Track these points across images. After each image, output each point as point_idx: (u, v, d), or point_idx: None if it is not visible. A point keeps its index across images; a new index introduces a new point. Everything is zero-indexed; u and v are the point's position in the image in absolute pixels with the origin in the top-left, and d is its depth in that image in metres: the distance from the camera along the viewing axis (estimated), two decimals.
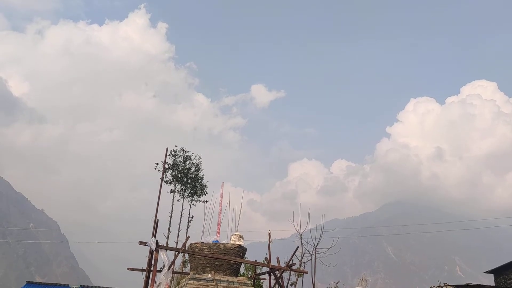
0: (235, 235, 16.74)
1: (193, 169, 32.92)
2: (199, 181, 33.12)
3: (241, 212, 18.84)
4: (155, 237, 14.54)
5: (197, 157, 33.06)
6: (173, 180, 32.03)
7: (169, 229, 30.30)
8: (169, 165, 31.72)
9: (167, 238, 29.48)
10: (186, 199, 32.64)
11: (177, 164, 32.22)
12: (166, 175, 31.39)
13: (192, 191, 32.82)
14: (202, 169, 33.31)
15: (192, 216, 32.09)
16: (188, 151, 32.89)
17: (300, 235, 20.73)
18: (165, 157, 17.65)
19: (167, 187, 31.82)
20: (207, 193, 33.40)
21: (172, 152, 32.16)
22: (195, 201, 33.02)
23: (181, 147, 32.80)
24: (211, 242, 16.10)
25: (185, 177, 32.49)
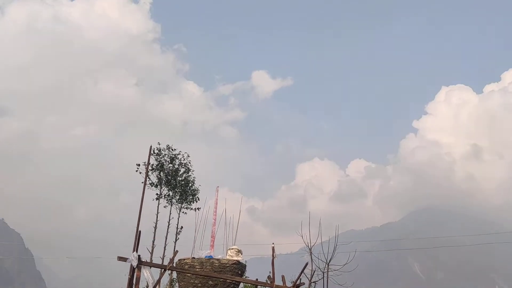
0: (232, 249, 16.75)
1: (182, 170, 33.06)
2: (190, 185, 33.23)
3: (239, 222, 19.29)
4: (136, 251, 14.72)
5: (185, 155, 33.14)
6: (159, 184, 32.10)
7: (153, 242, 30.23)
8: (153, 166, 31.79)
9: (151, 253, 29.34)
10: (174, 206, 32.68)
11: (163, 165, 32.31)
12: (150, 178, 31.45)
13: (181, 197, 32.89)
14: (192, 170, 33.40)
15: (181, 227, 32.06)
16: (174, 149, 32.95)
17: (310, 249, 20.48)
18: (149, 156, 17.85)
19: (151, 192, 31.90)
20: (199, 199, 33.42)
21: (156, 151, 32.20)
22: (185, 208, 33.06)
23: (167, 145, 32.92)
24: (203, 257, 16.13)
25: (173, 180, 32.57)
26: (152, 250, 29.65)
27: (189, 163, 33.33)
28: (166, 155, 32.56)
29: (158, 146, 32.44)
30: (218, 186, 35.73)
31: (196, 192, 33.57)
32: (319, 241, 20.11)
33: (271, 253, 16.06)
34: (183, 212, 32.94)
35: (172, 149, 32.82)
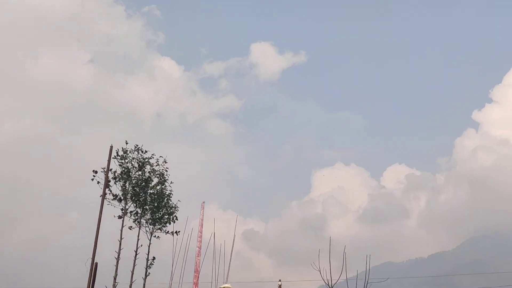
0: None
1: (155, 180, 33.15)
2: (165, 200, 33.44)
3: (233, 251, 18.76)
4: None
5: (161, 160, 33.23)
6: (124, 198, 32.16)
7: (115, 279, 30.04)
8: (116, 174, 31.92)
9: None
10: (144, 228, 32.78)
11: (129, 172, 32.43)
12: (110, 190, 31.32)
13: (153, 216, 33.08)
14: (169, 181, 33.41)
15: (154, 257, 32.01)
16: (146, 151, 33.02)
17: (331, 287, 20.52)
18: (108, 160, 17.90)
19: (112, 210, 31.67)
20: (177, 219, 33.50)
21: (121, 153, 32.20)
22: (158, 231, 33.23)
23: (135, 145, 32.89)
24: None
25: (143, 193, 32.75)
26: None
27: (166, 170, 33.47)
28: (134, 159, 32.73)
29: (123, 147, 32.44)
30: (203, 202, 35.95)
31: (173, 209, 33.62)
32: (343, 277, 20.60)
33: None
34: (155, 237, 32.97)
35: (142, 151, 32.94)
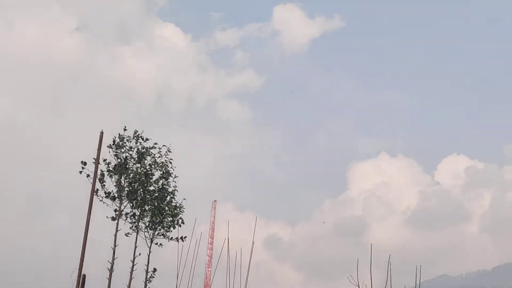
0: None
1: (157, 174, 33.20)
2: (168, 199, 33.56)
3: (251, 261, 18.79)
4: None
5: (163, 150, 33.25)
6: (119, 196, 32.26)
7: None
8: (109, 166, 32.05)
9: None
10: (143, 233, 32.83)
11: (127, 164, 32.52)
12: (103, 185, 31.58)
13: (153, 219, 33.07)
14: (173, 175, 33.50)
15: (155, 269, 32.11)
16: (147, 139, 33.05)
17: None
18: (99, 148, 18.03)
19: (104, 210, 31.66)
20: (183, 222, 33.57)
21: (116, 141, 32.34)
22: (161, 237, 33.22)
23: (134, 131, 33.06)
24: None
25: (142, 190, 32.81)
26: None
27: (170, 162, 33.49)
28: (133, 149, 32.82)
29: (120, 134, 32.58)
30: (215, 201, 35.53)
31: (178, 210, 33.58)
32: None
33: None
34: (156, 244, 32.94)
35: (143, 139, 32.98)
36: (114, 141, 31.98)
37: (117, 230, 31.22)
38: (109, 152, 31.72)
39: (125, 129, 32.70)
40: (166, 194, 33.41)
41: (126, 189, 32.44)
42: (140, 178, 32.72)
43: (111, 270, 30.22)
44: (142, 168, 32.83)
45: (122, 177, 32.44)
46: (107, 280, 30.08)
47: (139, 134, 32.91)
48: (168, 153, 33.35)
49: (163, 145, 33.33)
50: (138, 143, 32.86)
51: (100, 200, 31.14)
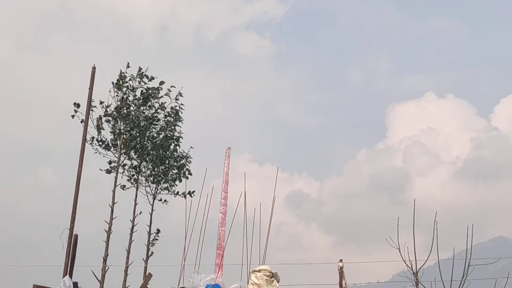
0: (259, 271, 17.14)
1: (162, 119, 32.14)
2: (172, 147, 32.52)
3: (272, 220, 19.05)
4: (70, 276, 15.29)
5: (174, 93, 32.19)
6: (116, 143, 31.35)
7: (105, 260, 29.02)
8: (107, 109, 31.01)
9: (102, 281, 28.11)
10: (144, 187, 32.09)
11: (129, 107, 31.55)
12: (100, 131, 31.09)
13: (156, 171, 32.32)
14: (181, 120, 32.57)
15: (158, 231, 31.45)
16: (152, 77, 31.77)
17: (416, 274, 19.37)
18: (90, 88, 19.24)
19: (100, 160, 31.19)
20: (190, 174, 32.73)
21: (119, 79, 31.40)
22: (165, 192, 32.39)
23: (138, 67, 32.03)
24: (202, 287, 16.78)
25: (142, 138, 31.79)
26: (104, 273, 28.51)
27: (180, 107, 32.43)
28: (135, 89, 31.76)
29: (122, 71, 31.57)
30: (229, 148, 34.20)
31: (186, 161, 32.59)
32: (433, 257, 19.27)
33: (337, 281, 16.84)
34: (160, 201, 32.01)
35: (148, 77, 31.87)
36: (119, 80, 31.25)
37: (115, 185, 30.94)
38: (110, 92, 31.12)
39: (128, 66, 32.00)
40: (170, 141, 32.69)
41: (124, 136, 31.82)
42: (145, 121, 32.11)
43: (109, 232, 29.90)
44: (148, 111, 32.20)
45: (121, 122, 31.78)
46: (104, 243, 29.81)
47: (143, 72, 32.05)
48: (180, 96, 32.58)
49: (172, 86, 32.44)
50: (142, 83, 32.10)
51: (95, 152, 31.05)
